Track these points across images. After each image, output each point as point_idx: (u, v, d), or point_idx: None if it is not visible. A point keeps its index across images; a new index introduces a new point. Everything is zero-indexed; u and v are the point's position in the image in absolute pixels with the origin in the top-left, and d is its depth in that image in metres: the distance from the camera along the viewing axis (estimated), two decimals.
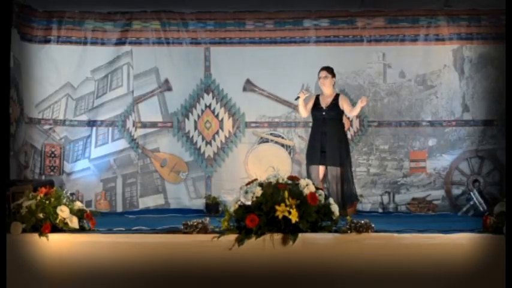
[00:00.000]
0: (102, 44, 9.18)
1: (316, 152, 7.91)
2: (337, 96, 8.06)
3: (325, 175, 7.94)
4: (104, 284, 5.43)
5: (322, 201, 5.57)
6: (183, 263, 5.38)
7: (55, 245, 5.48)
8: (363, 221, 5.47)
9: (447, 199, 9.05)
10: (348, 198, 7.96)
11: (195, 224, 5.53)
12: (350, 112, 8.03)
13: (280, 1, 8.88)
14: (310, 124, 8.27)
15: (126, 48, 9.23)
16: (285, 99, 9.15)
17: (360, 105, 7.84)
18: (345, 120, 8.45)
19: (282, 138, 9.23)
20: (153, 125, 9.27)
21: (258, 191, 5.44)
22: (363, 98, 7.88)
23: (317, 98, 8.08)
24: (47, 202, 5.64)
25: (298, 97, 8.06)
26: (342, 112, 8.05)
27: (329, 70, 8.08)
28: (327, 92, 8.06)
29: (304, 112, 8.10)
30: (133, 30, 9.23)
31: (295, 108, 9.00)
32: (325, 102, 8.01)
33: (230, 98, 9.25)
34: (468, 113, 9.10)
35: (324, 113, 7.96)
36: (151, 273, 5.38)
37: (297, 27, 9.18)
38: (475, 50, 9.09)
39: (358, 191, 8.85)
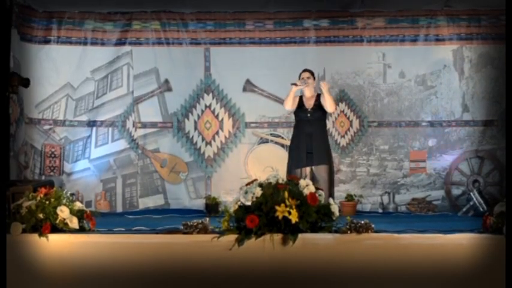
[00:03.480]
0: (102, 44, 9.19)
1: (302, 154, 7.72)
2: (318, 97, 7.90)
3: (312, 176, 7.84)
4: (104, 284, 5.42)
5: (322, 201, 5.57)
6: (183, 264, 5.37)
7: (55, 246, 5.47)
8: (362, 221, 5.46)
9: (447, 199, 9.06)
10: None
11: (195, 224, 5.52)
12: (326, 107, 7.70)
13: (280, 1, 8.89)
14: None
15: (126, 48, 9.24)
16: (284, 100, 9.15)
17: (325, 92, 7.57)
18: (344, 120, 8.45)
19: (282, 138, 9.24)
20: (153, 125, 9.28)
21: (258, 192, 5.43)
22: (322, 83, 7.68)
23: (300, 99, 7.88)
24: (47, 202, 5.63)
25: (295, 84, 7.69)
26: (325, 113, 7.91)
27: (311, 72, 7.92)
28: (309, 94, 7.85)
29: (290, 104, 7.75)
30: (133, 31, 9.24)
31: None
32: (308, 104, 7.81)
33: (230, 98, 9.25)
34: (468, 113, 9.11)
35: (308, 115, 7.77)
36: (151, 273, 5.38)
37: (296, 27, 9.19)
38: (474, 50, 9.10)
39: (358, 191, 8.88)
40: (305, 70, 7.92)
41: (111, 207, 9.15)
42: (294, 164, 7.80)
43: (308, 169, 7.76)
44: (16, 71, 8.38)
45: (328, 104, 7.65)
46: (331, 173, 7.85)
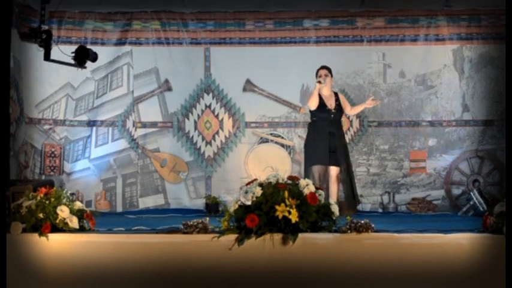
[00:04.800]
0: (102, 44, 9.19)
1: (324, 153, 7.76)
2: (337, 96, 8.02)
3: (326, 175, 7.86)
4: (104, 284, 5.43)
5: (322, 201, 5.57)
6: (183, 263, 5.38)
7: (55, 245, 5.47)
8: (362, 221, 5.47)
9: (447, 199, 9.06)
10: (354, 197, 7.97)
11: (195, 223, 5.53)
12: (350, 110, 8.08)
13: (280, 1, 8.89)
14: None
15: (126, 48, 9.24)
16: (284, 99, 9.16)
17: (364, 105, 7.97)
18: (344, 120, 8.44)
19: (282, 138, 9.24)
20: (153, 125, 9.28)
21: (258, 191, 5.43)
22: (375, 100, 8.02)
23: (320, 98, 7.91)
24: (47, 202, 5.64)
25: (319, 81, 7.75)
26: (343, 112, 8.05)
27: (329, 69, 8.00)
28: (327, 92, 7.95)
29: (315, 103, 7.78)
30: (133, 30, 9.24)
31: (295, 108, 9.02)
32: (330, 104, 7.89)
33: (230, 98, 9.25)
34: (468, 113, 9.11)
35: (332, 115, 7.84)
36: (151, 273, 5.38)
37: (297, 27, 9.19)
38: (475, 50, 9.10)
39: (358, 190, 8.88)
40: (322, 67, 7.95)
41: (111, 206, 9.15)
42: (312, 161, 7.81)
43: (324, 167, 7.78)
44: (16, 71, 8.40)
45: (356, 111, 8.20)
46: (350, 173, 7.92)
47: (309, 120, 8.10)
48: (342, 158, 7.84)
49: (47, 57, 7.05)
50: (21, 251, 5.46)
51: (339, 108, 7.90)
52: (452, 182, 9.09)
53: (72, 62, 6.74)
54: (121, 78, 9.27)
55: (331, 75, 8.02)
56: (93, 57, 7.01)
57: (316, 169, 7.82)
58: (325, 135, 7.80)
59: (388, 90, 9.19)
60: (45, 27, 7.21)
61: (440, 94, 9.15)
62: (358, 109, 8.16)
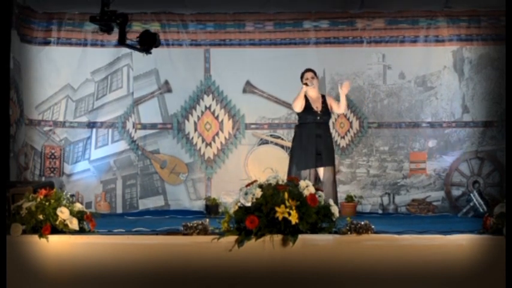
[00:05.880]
0: (102, 45, 9.19)
1: (312, 156, 7.64)
2: (324, 98, 7.86)
3: (316, 177, 7.80)
4: (104, 285, 5.43)
5: (322, 202, 5.57)
6: (183, 265, 5.38)
7: (55, 247, 5.47)
8: (362, 222, 5.47)
9: (447, 200, 9.06)
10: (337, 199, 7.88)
11: (195, 225, 5.52)
12: (338, 108, 7.81)
13: (280, 2, 8.89)
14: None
15: (126, 49, 9.21)
16: (284, 101, 9.15)
17: (343, 94, 7.64)
18: (344, 121, 8.43)
19: (282, 139, 9.24)
20: (153, 126, 9.28)
21: (258, 193, 5.43)
22: (347, 82, 7.71)
23: (307, 100, 7.75)
24: (47, 203, 5.63)
25: (306, 83, 7.57)
26: (330, 115, 7.91)
27: (314, 72, 7.81)
28: (314, 95, 7.75)
29: (300, 105, 7.65)
30: (133, 32, 9.22)
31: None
32: (316, 106, 7.72)
33: (230, 100, 9.25)
34: (468, 114, 9.11)
35: (318, 117, 7.69)
36: (151, 274, 5.38)
37: (296, 28, 9.19)
38: (474, 51, 9.10)
39: (358, 192, 8.88)
40: (308, 70, 7.80)
41: (111, 208, 9.15)
42: (301, 165, 7.70)
43: (313, 170, 7.72)
44: (16, 73, 8.41)
45: (343, 106, 7.73)
46: (335, 175, 7.86)
47: (297, 122, 7.93)
48: (328, 160, 7.74)
49: (122, 40, 7.01)
50: (21, 252, 5.46)
51: (326, 111, 7.73)
52: (452, 183, 9.09)
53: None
54: (121, 79, 9.27)
55: (317, 78, 7.88)
56: (159, 43, 6.98)
57: (305, 173, 7.71)
58: (313, 138, 7.69)
59: (388, 92, 9.20)
60: (114, 10, 7.15)
61: (440, 95, 9.16)
62: (343, 101, 7.75)
